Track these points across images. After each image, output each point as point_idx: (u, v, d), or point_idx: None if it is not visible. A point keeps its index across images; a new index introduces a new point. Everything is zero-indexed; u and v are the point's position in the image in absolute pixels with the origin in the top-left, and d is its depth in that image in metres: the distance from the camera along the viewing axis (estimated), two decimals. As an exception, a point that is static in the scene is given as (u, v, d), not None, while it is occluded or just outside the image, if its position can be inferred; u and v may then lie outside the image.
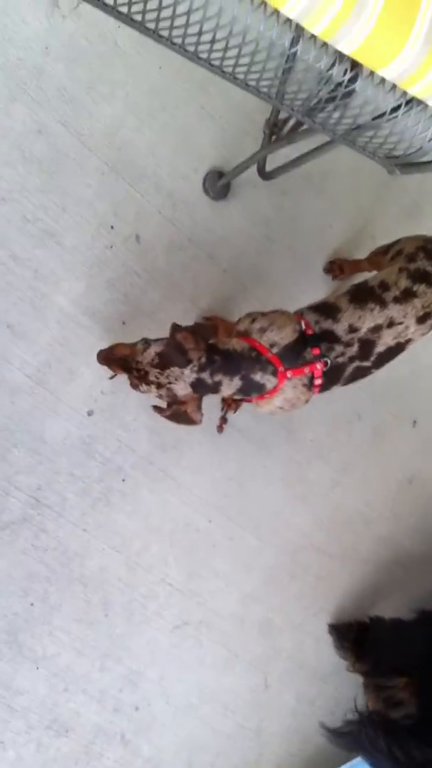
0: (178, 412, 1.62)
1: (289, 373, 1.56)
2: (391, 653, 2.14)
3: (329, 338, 1.60)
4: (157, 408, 1.67)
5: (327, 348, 1.60)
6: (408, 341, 1.69)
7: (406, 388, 2.44)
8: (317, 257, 2.27)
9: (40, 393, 1.87)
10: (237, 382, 1.56)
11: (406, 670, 2.03)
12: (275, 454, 2.22)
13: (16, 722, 1.88)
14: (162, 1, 1.01)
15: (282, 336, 1.57)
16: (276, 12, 0.97)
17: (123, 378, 1.91)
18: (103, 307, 1.93)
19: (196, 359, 1.52)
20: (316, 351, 1.58)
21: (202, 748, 2.14)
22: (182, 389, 1.55)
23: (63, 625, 1.93)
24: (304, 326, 1.60)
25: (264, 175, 2.06)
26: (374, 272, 2.09)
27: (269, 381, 1.57)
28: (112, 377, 1.88)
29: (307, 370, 1.58)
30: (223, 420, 2.11)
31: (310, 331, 1.60)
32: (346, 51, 1.02)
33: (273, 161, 2.02)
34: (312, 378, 1.60)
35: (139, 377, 1.57)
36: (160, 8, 1.03)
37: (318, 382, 1.62)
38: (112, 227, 1.94)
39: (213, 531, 2.13)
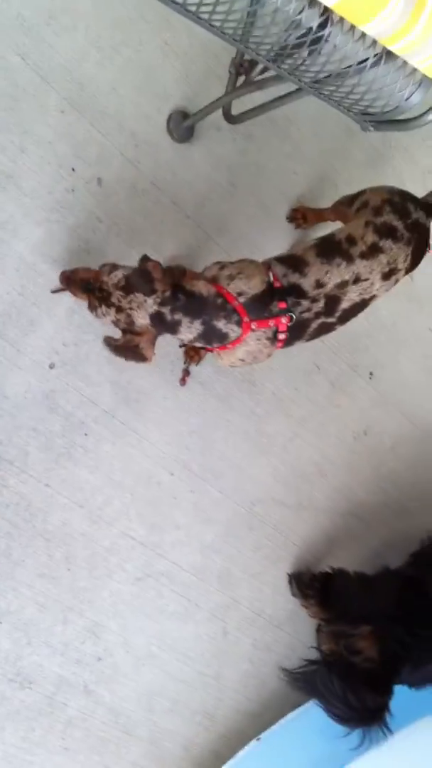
0: (130, 344, 1.56)
1: (253, 325, 1.54)
2: (356, 603, 2.19)
3: (296, 293, 1.58)
4: (108, 339, 1.60)
5: (293, 303, 1.57)
6: (372, 297, 1.69)
7: (364, 340, 2.45)
8: (281, 205, 2.22)
9: (0, 345, 1.79)
10: (198, 326, 1.52)
11: (370, 620, 2.08)
12: (236, 407, 2.20)
13: (-22, 677, 1.86)
14: None
15: (250, 286, 1.54)
16: None
17: (86, 329, 1.86)
18: (65, 254, 1.85)
19: (160, 291, 1.48)
20: (283, 305, 1.55)
21: (162, 695, 2.16)
22: (141, 318, 1.51)
23: (26, 579, 1.90)
24: (272, 278, 1.57)
25: (230, 118, 1.99)
26: (337, 222, 2.07)
27: (233, 330, 1.54)
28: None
29: (272, 323, 1.55)
30: (186, 372, 2.08)
31: (278, 284, 1.57)
32: (331, 4, 0.98)
33: (239, 105, 1.94)
34: (276, 332, 1.58)
35: (100, 298, 1.53)
36: None
37: (282, 336, 1.60)
38: (73, 169, 1.85)
39: (175, 484, 2.12)
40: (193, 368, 2.09)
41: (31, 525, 1.90)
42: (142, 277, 1.48)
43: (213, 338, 1.55)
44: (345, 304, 1.64)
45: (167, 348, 2.01)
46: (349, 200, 1.90)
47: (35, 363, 1.85)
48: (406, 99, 1.24)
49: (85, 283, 1.58)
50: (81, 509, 1.96)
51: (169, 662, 2.17)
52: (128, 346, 1.57)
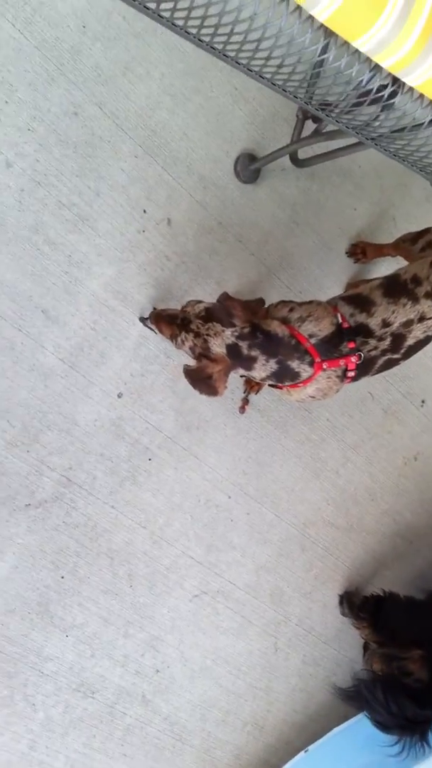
0: (204, 374, 1.61)
1: (325, 365, 1.60)
2: (406, 627, 2.27)
3: (364, 332, 1.64)
4: (187, 366, 1.66)
5: (362, 342, 1.64)
6: None
7: (416, 369, 2.51)
8: (340, 240, 2.29)
9: (73, 376, 1.91)
10: (273, 365, 1.59)
11: (421, 645, 2.16)
12: (292, 433, 2.29)
13: (46, 686, 1.98)
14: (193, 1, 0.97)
15: (320, 328, 1.61)
16: (310, 18, 0.95)
17: (152, 361, 1.96)
18: (134, 291, 1.96)
19: (239, 325, 1.57)
20: (352, 345, 1.62)
21: (215, 706, 2.27)
22: (218, 346, 1.58)
23: (91, 595, 2.02)
24: (340, 319, 1.63)
25: (296, 162, 2.06)
26: (397, 257, 2.13)
27: (305, 370, 1.61)
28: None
29: (342, 362, 1.62)
30: (245, 401, 2.17)
31: (346, 325, 1.63)
32: (414, 84, 1.03)
33: (306, 149, 2.02)
34: (345, 370, 1.65)
35: (181, 325, 1.61)
36: (190, 8, 0.99)
37: (351, 374, 1.66)
38: (144, 211, 1.95)
39: (231, 506, 2.21)
40: (252, 397, 2.18)
41: (96, 544, 2.01)
42: (222, 310, 1.58)
43: (286, 377, 1.62)
44: (410, 341, 1.70)
45: (229, 377, 2.11)
46: (413, 237, 1.95)
47: (104, 393, 1.96)
48: None
49: (171, 318, 1.66)
50: (143, 530, 2.07)
51: (222, 675, 2.27)
52: (202, 376, 1.62)
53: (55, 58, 1.77)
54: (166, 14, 1.02)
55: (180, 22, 1.04)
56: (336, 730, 2.44)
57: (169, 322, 1.67)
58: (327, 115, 1.31)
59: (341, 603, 2.47)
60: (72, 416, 1.92)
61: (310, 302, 1.69)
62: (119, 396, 1.98)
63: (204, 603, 2.21)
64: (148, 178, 1.94)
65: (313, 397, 1.72)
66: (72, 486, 1.95)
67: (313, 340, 1.59)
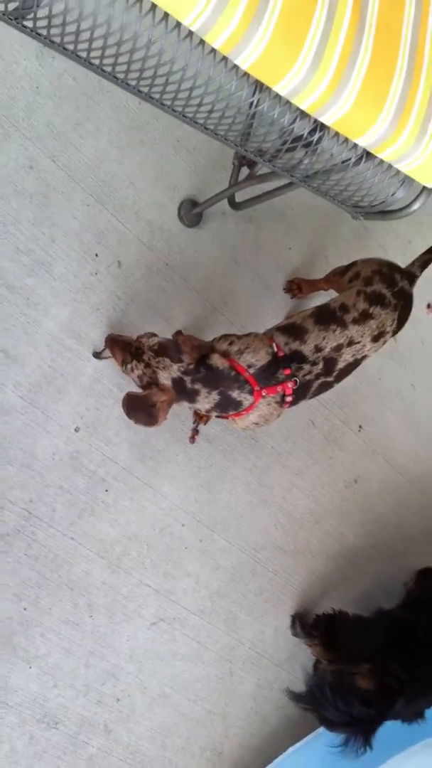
0: (148, 401, 1.68)
1: (264, 392, 1.74)
2: (355, 643, 2.38)
3: (298, 358, 1.79)
4: (129, 393, 1.73)
5: (296, 368, 1.78)
6: (364, 357, 1.91)
7: (353, 396, 2.68)
8: (278, 277, 2.46)
9: (32, 412, 1.99)
10: (215, 396, 1.72)
11: (369, 659, 2.28)
12: (240, 461, 2.41)
13: (11, 717, 2.01)
14: (138, 59, 1.08)
15: (257, 358, 1.74)
16: (236, 66, 1.07)
17: (106, 395, 2.06)
18: (89, 330, 2.06)
19: (186, 362, 1.69)
20: (287, 371, 1.76)
21: (175, 733, 2.32)
22: (164, 378, 1.69)
23: (53, 626, 2.06)
24: (275, 348, 1.78)
25: (234, 206, 2.22)
26: (330, 290, 2.31)
27: (246, 399, 1.74)
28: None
29: (279, 388, 1.76)
30: (195, 431, 2.28)
31: (281, 353, 1.78)
32: (328, 123, 1.16)
33: (242, 193, 2.18)
34: (284, 395, 1.79)
35: (134, 354, 1.73)
36: (142, 69, 1.11)
37: (289, 399, 1.80)
38: (96, 255, 2.07)
39: (185, 534, 2.30)
40: (201, 427, 2.29)
41: (57, 575, 2.07)
42: (174, 346, 1.69)
43: (229, 407, 1.75)
44: (341, 365, 1.86)
45: (178, 409, 2.21)
46: (342, 270, 2.13)
47: (62, 427, 2.05)
48: (392, 195, 1.41)
49: (125, 345, 1.79)
50: (102, 560, 2.14)
51: (181, 702, 2.33)
52: (144, 404, 1.69)
53: (11, 116, 1.90)
54: (108, 68, 1.15)
55: (121, 75, 1.16)
56: (290, 750, 2.51)
57: (122, 347, 1.79)
58: (262, 159, 1.45)
59: (293, 624, 2.57)
60: (32, 450, 2.00)
61: (248, 335, 1.82)
62: (76, 430, 2.07)
63: (161, 630, 2.28)
64: (99, 224, 2.07)
65: (256, 423, 1.85)
66: (32, 519, 2.01)
67: (251, 370, 1.73)
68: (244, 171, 2.08)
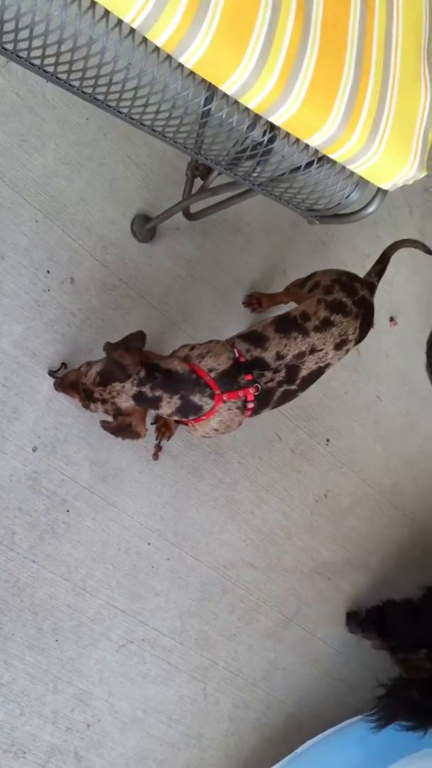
0: (123, 425, 1.76)
1: (225, 396, 1.73)
2: (406, 631, 2.45)
3: (260, 365, 1.79)
4: (104, 422, 1.81)
5: (258, 374, 1.78)
6: (327, 365, 1.91)
7: (319, 409, 2.66)
8: (237, 292, 2.45)
9: (-14, 433, 1.95)
10: (176, 401, 1.72)
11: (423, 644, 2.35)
12: (206, 477, 2.37)
13: (-26, 751, 1.94)
14: (88, 60, 1.06)
15: (219, 362, 1.75)
16: (181, 65, 1.06)
17: (64, 414, 2.03)
18: (43, 347, 2.04)
19: (135, 373, 1.68)
20: (249, 377, 1.76)
21: (149, 757, 2.26)
22: (124, 402, 1.70)
23: (17, 653, 2.01)
24: (237, 354, 1.78)
25: (189, 216, 2.21)
26: (290, 304, 2.30)
27: (207, 403, 1.73)
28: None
29: (241, 393, 1.75)
30: (158, 448, 2.25)
31: (242, 359, 1.78)
32: (278, 123, 1.16)
33: (197, 203, 2.17)
34: (245, 401, 1.78)
35: (86, 397, 1.75)
36: (84, 68, 1.09)
37: (250, 405, 1.79)
38: (48, 271, 2.05)
39: (152, 553, 2.26)
40: (164, 443, 2.26)
41: (19, 600, 2.02)
42: (113, 367, 1.68)
43: (189, 411, 1.74)
44: (304, 373, 1.85)
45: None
46: (301, 282, 2.14)
47: (19, 447, 2.01)
48: (347, 197, 1.41)
49: (75, 384, 1.81)
50: (66, 582, 2.09)
51: (154, 725, 2.27)
52: (121, 427, 1.76)
53: None
54: (62, 75, 1.14)
55: (63, 76, 1.14)
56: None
57: (74, 389, 1.83)
58: (218, 167, 1.45)
59: (348, 621, 2.74)
60: (-13, 472, 1.96)
61: (209, 341, 1.83)
62: (34, 450, 2.03)
63: (131, 652, 2.22)
64: (50, 240, 2.05)
65: (216, 429, 1.83)
66: (-10, 542, 1.97)
67: (212, 374, 1.73)
68: (198, 183, 2.09)
